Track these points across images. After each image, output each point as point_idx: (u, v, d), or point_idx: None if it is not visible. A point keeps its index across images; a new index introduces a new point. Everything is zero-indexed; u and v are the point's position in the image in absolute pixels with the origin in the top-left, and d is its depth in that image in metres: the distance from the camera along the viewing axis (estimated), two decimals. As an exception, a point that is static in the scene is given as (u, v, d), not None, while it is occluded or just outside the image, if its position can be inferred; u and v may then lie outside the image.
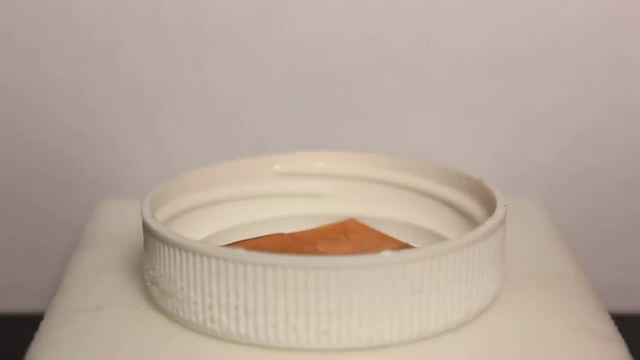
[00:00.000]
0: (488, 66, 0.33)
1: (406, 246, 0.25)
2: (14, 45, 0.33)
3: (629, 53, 0.33)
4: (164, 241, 0.22)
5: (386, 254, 0.21)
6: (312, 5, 0.33)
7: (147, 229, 0.23)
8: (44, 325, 0.23)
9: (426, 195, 0.27)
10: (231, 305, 0.21)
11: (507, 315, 0.23)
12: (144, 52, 0.33)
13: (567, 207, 0.34)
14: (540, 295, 0.24)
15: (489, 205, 0.24)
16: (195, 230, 0.26)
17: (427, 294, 0.21)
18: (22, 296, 0.35)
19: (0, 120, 0.34)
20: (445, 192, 0.26)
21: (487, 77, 0.34)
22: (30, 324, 0.24)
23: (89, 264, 0.26)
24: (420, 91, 0.34)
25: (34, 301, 0.35)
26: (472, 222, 0.25)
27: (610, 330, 0.23)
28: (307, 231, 0.26)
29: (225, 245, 0.25)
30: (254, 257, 0.21)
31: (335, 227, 0.27)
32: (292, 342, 0.21)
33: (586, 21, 0.33)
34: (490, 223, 0.23)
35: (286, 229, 0.27)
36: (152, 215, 0.23)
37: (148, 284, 0.23)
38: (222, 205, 0.27)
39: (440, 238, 0.26)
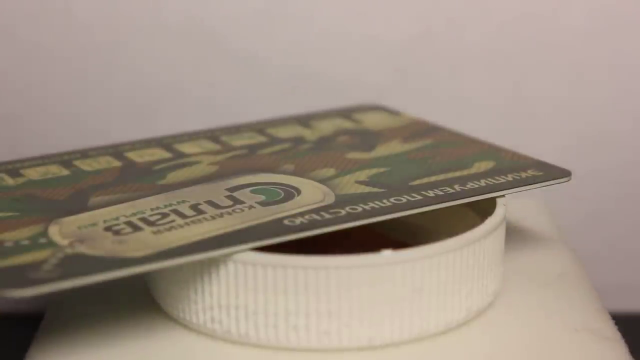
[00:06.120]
0: (489, 66, 0.33)
1: (406, 246, 0.25)
2: (14, 45, 0.33)
3: (630, 53, 0.33)
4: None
5: (386, 254, 0.21)
6: (312, 5, 0.33)
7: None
8: (44, 325, 0.23)
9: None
10: (231, 305, 0.21)
11: (507, 315, 0.23)
12: (144, 52, 0.33)
13: (567, 207, 0.34)
14: (540, 295, 0.24)
15: (489, 205, 0.24)
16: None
17: (427, 294, 0.21)
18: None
19: (0, 119, 0.34)
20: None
21: (487, 77, 0.34)
22: (30, 324, 0.24)
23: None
24: (420, 91, 0.34)
25: (34, 301, 0.35)
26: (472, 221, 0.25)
27: (610, 330, 0.23)
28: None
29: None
30: (255, 257, 0.21)
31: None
32: (292, 342, 0.21)
33: (586, 21, 0.33)
34: (490, 223, 0.23)
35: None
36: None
37: (149, 283, 0.23)
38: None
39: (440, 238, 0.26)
